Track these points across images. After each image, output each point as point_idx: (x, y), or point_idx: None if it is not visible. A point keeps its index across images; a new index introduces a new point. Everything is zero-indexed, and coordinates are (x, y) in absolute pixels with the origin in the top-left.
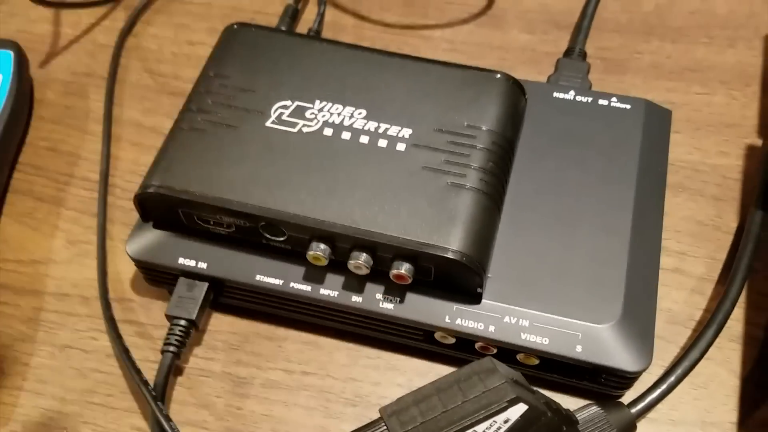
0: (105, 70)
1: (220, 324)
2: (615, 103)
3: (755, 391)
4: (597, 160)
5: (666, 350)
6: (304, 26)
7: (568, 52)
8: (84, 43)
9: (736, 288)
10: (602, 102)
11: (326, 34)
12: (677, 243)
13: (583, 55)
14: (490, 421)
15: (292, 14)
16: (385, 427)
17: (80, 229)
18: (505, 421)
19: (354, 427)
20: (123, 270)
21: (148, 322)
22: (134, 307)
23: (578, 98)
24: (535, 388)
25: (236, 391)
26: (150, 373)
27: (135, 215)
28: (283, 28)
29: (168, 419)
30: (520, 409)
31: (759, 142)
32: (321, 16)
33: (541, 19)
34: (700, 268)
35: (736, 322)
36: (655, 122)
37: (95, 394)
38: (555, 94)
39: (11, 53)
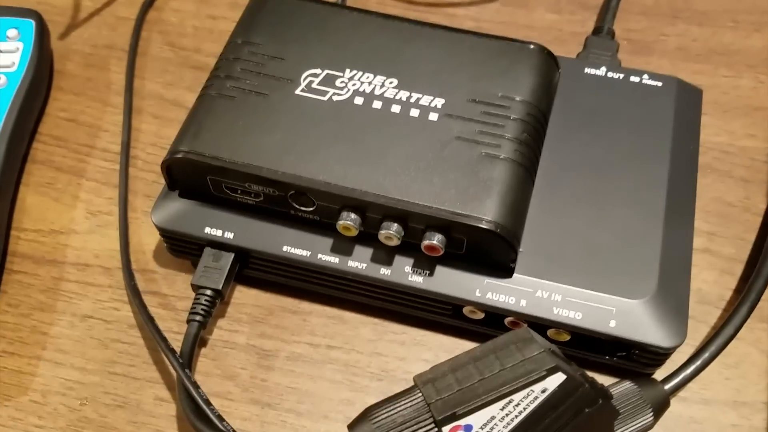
0: (126, 42)
1: (245, 297)
2: (646, 80)
3: None
4: (629, 137)
5: (696, 330)
6: None
7: (596, 31)
8: (105, 15)
9: None
10: (634, 79)
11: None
12: (706, 223)
13: (612, 34)
14: (527, 390)
15: None
16: (420, 394)
17: (101, 200)
18: (543, 391)
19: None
20: (145, 241)
21: (171, 293)
22: (156, 279)
23: (610, 74)
24: (570, 361)
25: (261, 363)
26: (174, 343)
27: (156, 187)
28: None
29: (196, 386)
30: (558, 378)
31: None
32: None
33: None
34: (730, 248)
35: (766, 303)
36: (687, 101)
37: (117, 365)
38: (586, 70)
39: (33, 22)
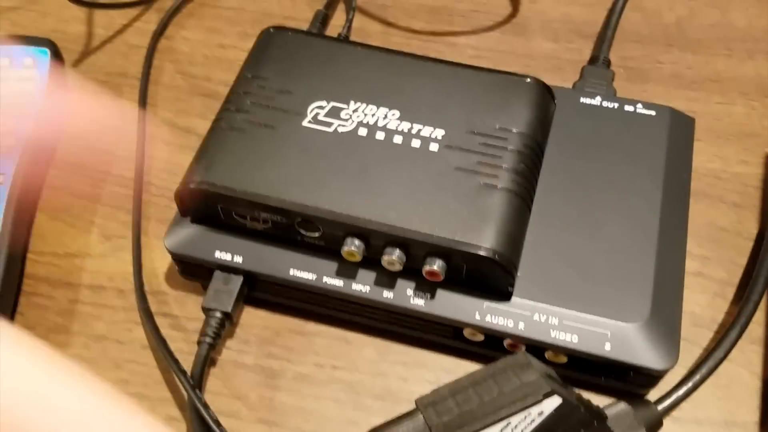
0: (138, 70)
1: (253, 318)
2: (641, 109)
3: None
4: (623, 164)
5: (689, 352)
6: (332, 32)
7: (592, 60)
8: (117, 43)
9: (758, 291)
10: (628, 108)
11: (354, 39)
12: (699, 248)
13: (608, 63)
14: (525, 413)
15: (323, 19)
16: (421, 417)
17: (115, 224)
18: (539, 414)
19: (383, 421)
20: (157, 265)
21: (182, 314)
22: (168, 300)
23: (605, 104)
24: (566, 384)
25: (268, 383)
26: (185, 364)
27: (169, 212)
28: (316, 33)
29: (206, 407)
30: (555, 402)
31: None
32: (350, 21)
33: (565, 28)
34: (722, 272)
35: (757, 326)
36: (680, 129)
37: (130, 384)
38: (582, 100)
39: (48, 51)
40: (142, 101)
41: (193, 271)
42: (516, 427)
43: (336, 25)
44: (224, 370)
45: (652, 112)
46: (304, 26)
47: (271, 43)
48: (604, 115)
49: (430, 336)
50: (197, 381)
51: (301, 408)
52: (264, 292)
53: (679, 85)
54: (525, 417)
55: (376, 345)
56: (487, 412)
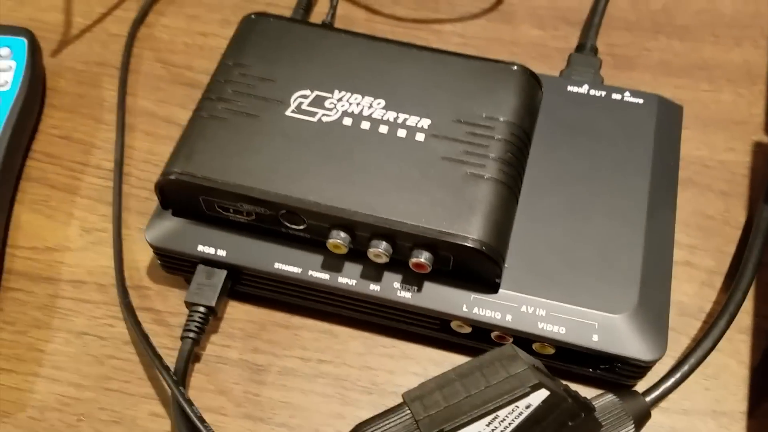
0: (117, 59)
1: (237, 312)
2: (628, 97)
3: (764, 382)
4: (611, 153)
5: (677, 341)
6: (315, 19)
7: (579, 48)
8: (96, 32)
9: (746, 280)
10: (615, 96)
11: (338, 27)
12: (687, 236)
13: (595, 51)
14: (512, 406)
15: (306, 6)
16: (408, 412)
17: (95, 217)
18: (527, 407)
19: (370, 414)
20: (139, 258)
21: (165, 309)
22: (150, 295)
23: (592, 92)
24: (554, 376)
25: (253, 378)
26: (168, 359)
27: (150, 204)
28: (299, 19)
29: (190, 403)
30: (542, 394)
31: (766, 139)
32: (334, 8)
33: (551, 15)
34: (710, 261)
35: (745, 315)
36: (667, 117)
37: (112, 381)
38: (569, 88)
39: (25, 41)
40: (122, 90)
41: (175, 265)
42: (504, 419)
43: (320, 12)
44: (208, 365)
45: (640, 100)
46: (287, 13)
47: (253, 29)
48: (591, 103)
49: (417, 328)
50: (181, 377)
51: (286, 403)
52: (248, 285)
53: (667, 73)
54: (513, 410)
55: (363, 338)
56: (475, 405)
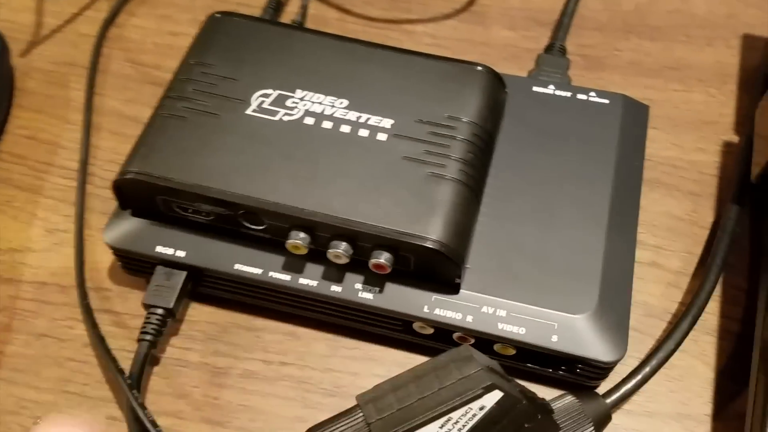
0: (87, 59)
1: (198, 314)
2: (593, 97)
3: (730, 384)
4: (575, 153)
5: (642, 342)
6: (287, 19)
7: (548, 48)
8: (66, 32)
9: (711, 281)
10: (581, 96)
11: (309, 26)
12: (654, 237)
13: (563, 51)
14: (465, 408)
15: (276, 5)
16: (361, 414)
17: (59, 217)
18: (481, 408)
19: None
20: (101, 259)
21: (125, 311)
22: (111, 297)
23: (557, 93)
24: (510, 377)
25: (213, 381)
26: (126, 362)
27: (113, 204)
28: (267, 19)
29: (143, 407)
30: (495, 396)
31: (736, 139)
32: (304, 8)
33: (523, 16)
34: (677, 262)
35: (711, 316)
36: (633, 117)
37: (71, 383)
38: (534, 89)
39: None
40: (89, 90)
41: (135, 266)
42: (457, 422)
43: (292, 12)
44: (168, 368)
45: (606, 101)
46: (259, 13)
47: (217, 28)
48: (557, 103)
49: (380, 330)
50: (136, 380)
51: (247, 406)
52: (209, 287)
53: (637, 73)
54: (466, 412)
55: (327, 340)
56: (427, 407)
